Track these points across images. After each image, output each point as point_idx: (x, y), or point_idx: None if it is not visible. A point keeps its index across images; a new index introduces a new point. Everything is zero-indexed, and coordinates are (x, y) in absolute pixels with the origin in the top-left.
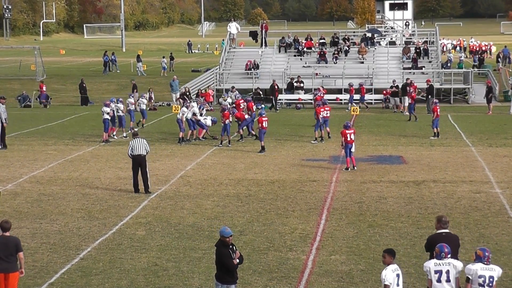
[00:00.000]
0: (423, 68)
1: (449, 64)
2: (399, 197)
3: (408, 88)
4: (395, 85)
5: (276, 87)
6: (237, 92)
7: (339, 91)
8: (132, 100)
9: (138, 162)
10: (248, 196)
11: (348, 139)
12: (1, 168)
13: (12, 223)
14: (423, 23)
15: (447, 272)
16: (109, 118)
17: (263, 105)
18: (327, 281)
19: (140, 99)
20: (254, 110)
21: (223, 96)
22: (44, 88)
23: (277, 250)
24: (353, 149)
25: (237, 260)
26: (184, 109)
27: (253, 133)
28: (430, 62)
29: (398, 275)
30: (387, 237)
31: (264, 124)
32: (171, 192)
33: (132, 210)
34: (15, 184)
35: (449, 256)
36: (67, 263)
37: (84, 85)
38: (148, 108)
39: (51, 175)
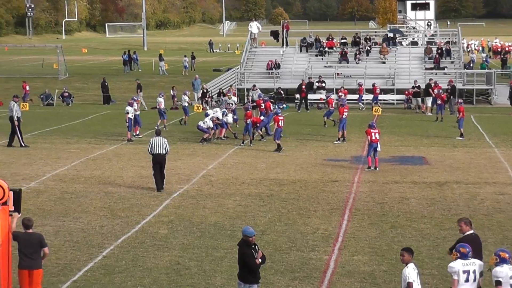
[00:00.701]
0: (445, 69)
1: (471, 65)
2: (422, 198)
3: (431, 88)
4: (417, 85)
5: (303, 87)
6: (259, 91)
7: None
8: (161, 99)
9: (159, 161)
10: (270, 195)
11: (373, 138)
12: (25, 166)
13: (35, 221)
14: (448, 23)
15: (474, 271)
16: (132, 117)
17: (284, 105)
18: (350, 282)
19: (182, 96)
20: (271, 110)
21: (228, 95)
22: (27, 88)
23: (299, 250)
24: (378, 148)
25: (260, 260)
26: (210, 123)
27: (271, 134)
28: (452, 62)
29: (417, 273)
30: (409, 238)
31: (280, 123)
32: (193, 191)
33: (155, 208)
34: (38, 182)
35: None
36: (90, 261)
37: (106, 83)
38: (169, 107)
39: (73, 173)
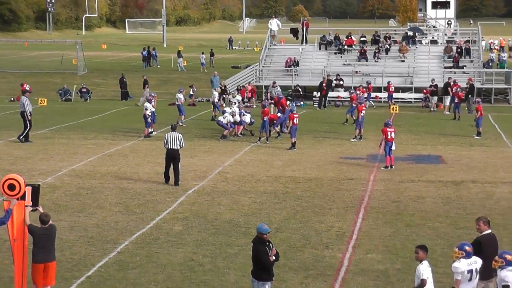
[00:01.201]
0: (464, 68)
1: (490, 64)
2: (437, 197)
3: (450, 87)
4: (434, 84)
5: (324, 84)
6: (278, 88)
7: (379, 90)
8: (181, 95)
9: (172, 156)
10: (285, 193)
11: (389, 137)
12: (41, 161)
13: (51, 216)
14: (471, 22)
15: (476, 270)
16: (150, 113)
17: (302, 103)
18: (363, 280)
19: (214, 92)
20: (288, 106)
21: (232, 93)
22: (26, 87)
23: (313, 247)
24: (393, 147)
25: (273, 257)
26: (229, 117)
27: (286, 131)
28: (471, 61)
29: (431, 271)
30: (424, 237)
31: (295, 121)
32: (208, 188)
33: (170, 205)
34: (55, 177)
35: None
36: (105, 257)
37: (124, 79)
38: (187, 104)
39: (90, 169)
